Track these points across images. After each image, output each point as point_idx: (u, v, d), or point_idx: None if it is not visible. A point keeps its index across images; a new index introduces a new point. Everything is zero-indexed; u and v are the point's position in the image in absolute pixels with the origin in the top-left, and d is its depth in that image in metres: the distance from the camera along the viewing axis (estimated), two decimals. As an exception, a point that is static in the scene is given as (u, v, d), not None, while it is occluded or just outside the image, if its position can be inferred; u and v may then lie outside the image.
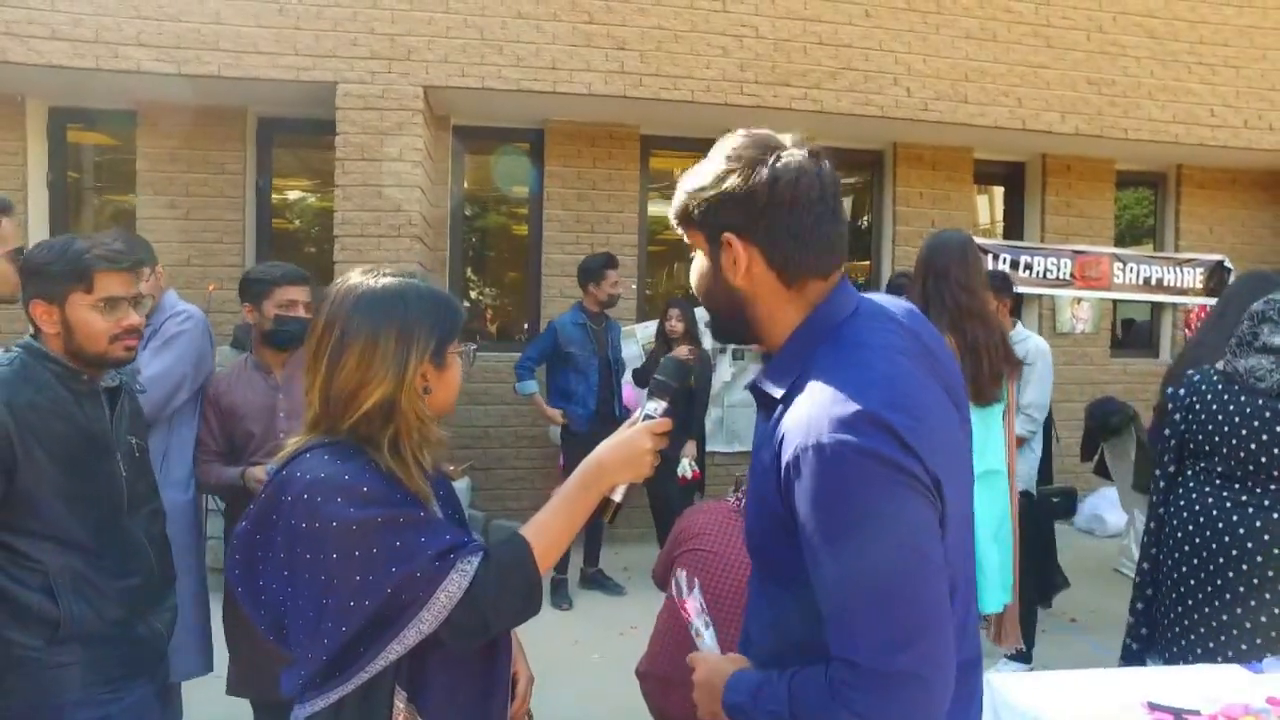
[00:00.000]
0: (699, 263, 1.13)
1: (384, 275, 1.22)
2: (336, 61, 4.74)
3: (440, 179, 5.50)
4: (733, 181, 1.03)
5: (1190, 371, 2.47)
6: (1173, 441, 2.43)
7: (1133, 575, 4.91)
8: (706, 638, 1.26)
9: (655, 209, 6.17)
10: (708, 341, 5.15)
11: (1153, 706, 1.68)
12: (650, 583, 3.72)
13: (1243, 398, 2.25)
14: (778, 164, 1.04)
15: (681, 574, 1.39)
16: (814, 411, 0.95)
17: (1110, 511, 5.93)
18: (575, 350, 4.60)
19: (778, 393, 1.04)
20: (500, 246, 6.50)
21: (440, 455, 1.30)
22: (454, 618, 1.09)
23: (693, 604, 1.30)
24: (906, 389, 0.98)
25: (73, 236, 1.72)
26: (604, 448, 1.22)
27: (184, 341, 2.60)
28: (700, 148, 5.94)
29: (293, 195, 5.99)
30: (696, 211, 1.07)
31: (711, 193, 1.05)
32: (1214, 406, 2.30)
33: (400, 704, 1.15)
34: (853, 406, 0.93)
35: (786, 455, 0.96)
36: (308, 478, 1.12)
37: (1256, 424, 2.20)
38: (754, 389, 1.11)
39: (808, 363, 1.03)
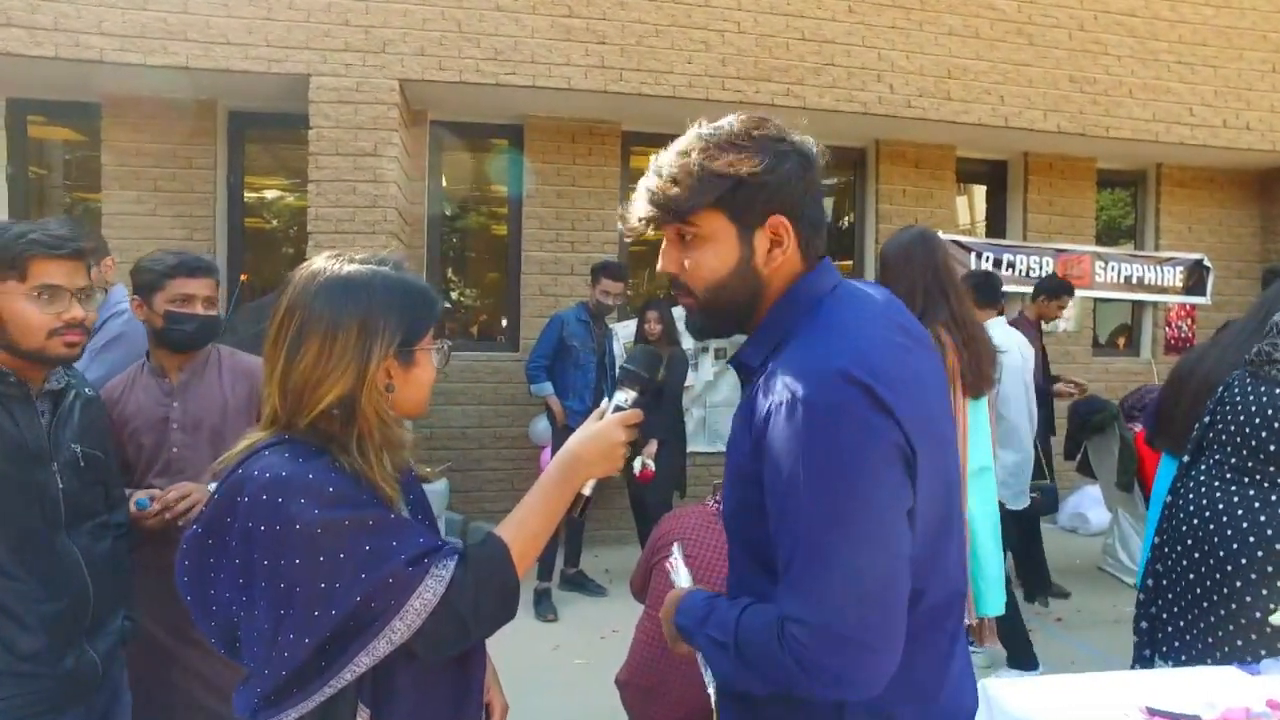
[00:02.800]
0: (718, 252, 1.07)
1: (351, 261, 1.13)
2: (309, 53, 4.62)
3: (417, 175, 5.39)
4: (789, 167, 1.05)
5: (1237, 371, 2.42)
6: (1196, 434, 2.39)
7: (1116, 574, 4.94)
8: (683, 575, 1.31)
9: (637, 207, 6.10)
10: (687, 342, 5.09)
11: (1152, 712, 1.63)
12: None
13: (1262, 388, 2.21)
14: (803, 148, 1.08)
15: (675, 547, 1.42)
16: (790, 370, 0.99)
17: (1093, 510, 5.93)
18: (577, 344, 4.60)
19: (756, 361, 1.08)
20: (479, 244, 6.39)
21: (406, 458, 1.20)
22: (428, 626, 1.01)
23: (676, 550, 1.37)
24: (884, 354, 1.00)
25: (12, 221, 1.58)
26: (577, 441, 1.16)
27: (125, 344, 2.43)
28: (682, 144, 5.89)
29: (265, 191, 5.85)
30: (743, 197, 1.04)
31: (771, 175, 1.04)
32: (1239, 401, 2.27)
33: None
34: (829, 365, 0.97)
35: (760, 413, 0.99)
36: (267, 476, 1.02)
37: (1270, 412, 2.15)
38: (735, 363, 1.14)
39: (788, 332, 1.07)
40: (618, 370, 1.22)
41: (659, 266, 1.15)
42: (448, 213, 5.91)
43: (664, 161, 1.08)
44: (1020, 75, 5.55)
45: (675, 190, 1.05)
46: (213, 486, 1.98)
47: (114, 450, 1.84)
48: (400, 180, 4.85)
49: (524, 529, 1.12)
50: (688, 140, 1.08)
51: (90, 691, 1.62)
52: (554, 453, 5.14)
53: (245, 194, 5.49)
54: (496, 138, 5.70)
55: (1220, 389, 2.38)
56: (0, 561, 1.48)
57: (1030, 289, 6.13)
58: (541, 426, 5.13)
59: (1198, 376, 2.84)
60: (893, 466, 0.96)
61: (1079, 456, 5.09)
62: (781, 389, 0.97)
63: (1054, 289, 4.84)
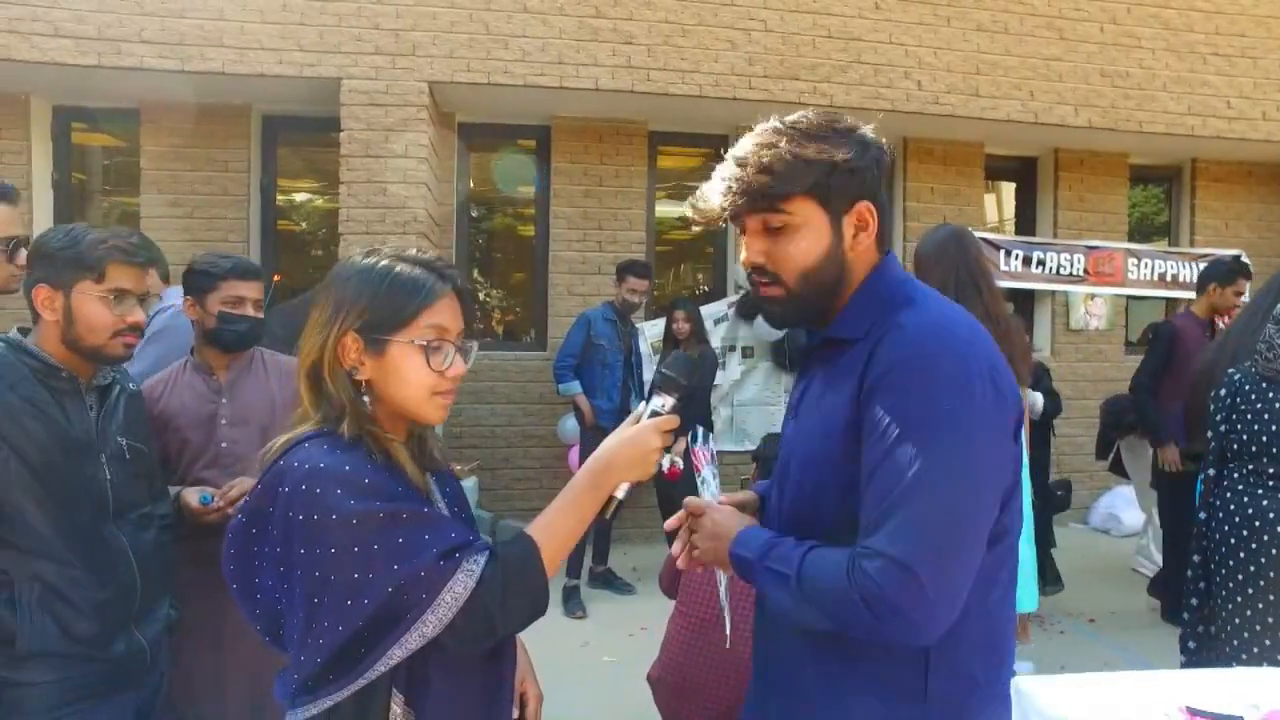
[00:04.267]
0: (811, 238, 1.12)
1: (373, 252, 1.17)
2: (341, 57, 4.69)
3: (445, 176, 5.45)
4: (872, 155, 1.12)
5: (1230, 370, 2.40)
6: (1213, 444, 2.36)
7: (1150, 575, 4.86)
8: (713, 486, 1.31)
9: (664, 207, 6.11)
10: (715, 341, 5.10)
11: (1193, 712, 1.61)
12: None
13: None
14: (878, 140, 1.16)
15: (699, 429, 1.41)
16: (918, 328, 1.06)
17: (1125, 510, 5.84)
18: (605, 344, 4.62)
19: (859, 332, 1.11)
20: (506, 244, 6.45)
21: (433, 453, 1.24)
22: (458, 621, 1.03)
23: (704, 452, 1.36)
24: (990, 343, 1.10)
25: (87, 226, 1.65)
26: (611, 445, 1.16)
27: (166, 339, 2.50)
28: (708, 143, 5.89)
29: (297, 193, 5.95)
30: (837, 183, 1.10)
31: (860, 162, 1.10)
32: (1259, 406, 2.24)
33: (397, 708, 1.08)
34: (958, 330, 1.07)
35: (879, 367, 1.04)
36: (306, 467, 1.06)
37: None
38: (825, 339, 1.17)
39: (888, 306, 1.12)
40: (655, 375, 1.21)
41: (743, 259, 1.16)
42: (475, 213, 5.97)
43: (746, 151, 1.10)
44: (1050, 70, 5.48)
45: (767, 178, 1.07)
46: None
47: (154, 445, 1.91)
48: (429, 181, 4.91)
49: (555, 529, 1.13)
50: (768, 132, 1.11)
51: (139, 676, 1.68)
52: (583, 452, 5.17)
53: (277, 196, 5.59)
54: (523, 138, 5.75)
55: (1225, 394, 2.34)
56: (56, 549, 1.54)
57: (1060, 287, 6.09)
58: (570, 425, 5.17)
59: (1205, 377, 2.84)
60: (1005, 443, 1.07)
61: (1111, 456, 5.03)
62: (908, 342, 1.04)
63: (1226, 274, 3.97)
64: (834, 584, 1.00)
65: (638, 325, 5.26)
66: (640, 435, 1.15)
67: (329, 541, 1.02)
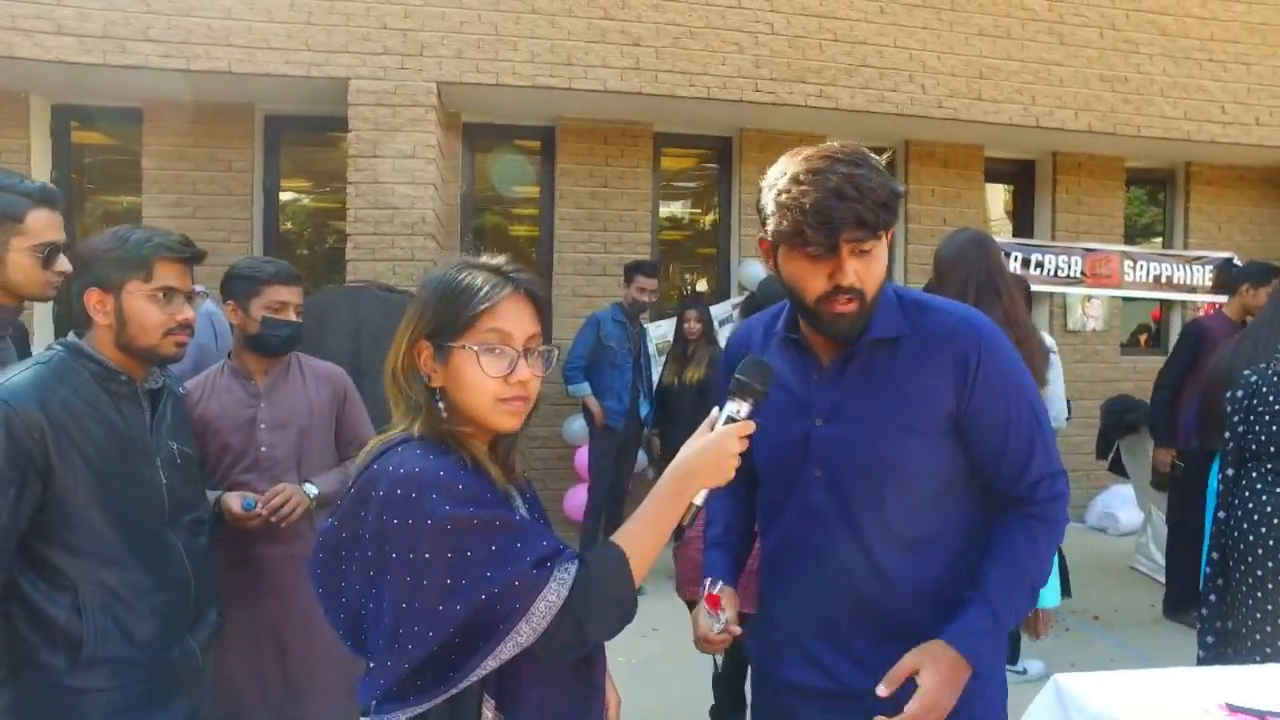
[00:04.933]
0: (884, 255, 1.27)
1: (453, 259, 1.19)
2: (349, 57, 4.67)
3: (451, 176, 5.44)
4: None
5: (1246, 371, 2.45)
6: (1231, 444, 2.40)
7: (1149, 573, 4.94)
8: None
9: (668, 208, 6.13)
10: (721, 341, 5.11)
11: (1232, 708, 1.64)
12: (671, 581, 3.59)
13: None
14: None
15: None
16: (970, 316, 1.34)
17: (1123, 509, 5.93)
18: (614, 344, 4.64)
19: (904, 329, 1.31)
20: (511, 246, 6.44)
21: (514, 464, 1.23)
22: (551, 629, 1.04)
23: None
24: None
25: (132, 227, 1.65)
26: (692, 453, 1.16)
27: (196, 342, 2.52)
28: (712, 145, 5.92)
29: (301, 193, 5.92)
30: (896, 213, 1.26)
31: (900, 196, 1.26)
32: (1277, 408, 2.28)
33: (489, 713, 1.09)
34: (983, 319, 1.36)
35: (967, 351, 1.28)
36: (401, 472, 1.06)
37: None
38: (873, 341, 1.31)
39: (909, 305, 1.34)
40: (730, 381, 1.21)
41: (844, 280, 1.23)
42: (480, 213, 5.96)
43: (864, 185, 1.19)
44: (1051, 75, 5.55)
45: (886, 214, 1.21)
46: (308, 487, 2.06)
47: (198, 447, 1.92)
48: (436, 181, 4.90)
49: (641, 538, 1.13)
50: (864, 161, 1.23)
51: (192, 682, 1.67)
52: (592, 453, 5.13)
53: (281, 197, 5.56)
54: (529, 139, 5.74)
55: (1243, 395, 2.38)
56: (118, 553, 1.53)
57: (1058, 289, 6.17)
58: (576, 426, 5.17)
59: (1222, 376, 2.90)
60: None
61: (1111, 455, 5.10)
62: (979, 333, 1.30)
63: (1259, 274, 4.00)
64: (1046, 540, 1.31)
65: (645, 327, 5.29)
66: (719, 441, 1.15)
67: (423, 546, 1.02)
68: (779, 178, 1.25)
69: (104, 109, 5.21)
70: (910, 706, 1.19)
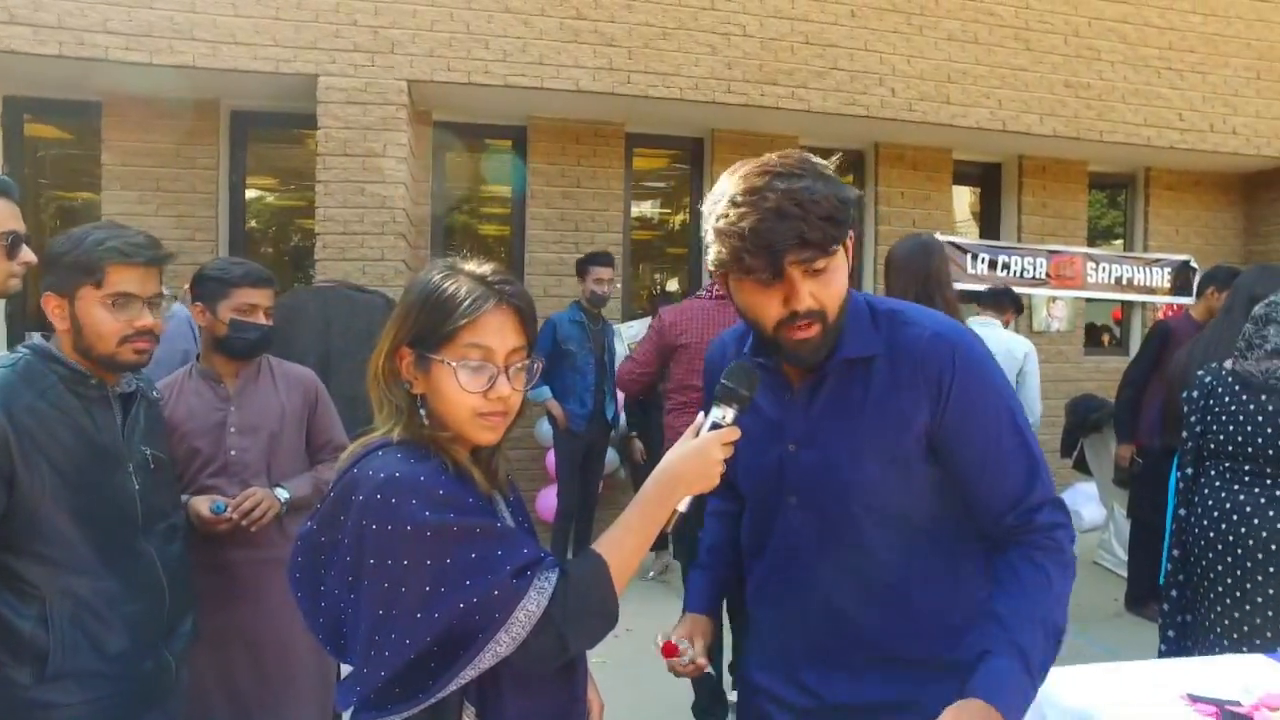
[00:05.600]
0: (843, 271, 1.17)
1: (441, 264, 1.16)
2: (318, 54, 4.60)
3: (422, 175, 5.39)
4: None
5: (1200, 372, 2.51)
6: (1190, 444, 2.47)
7: (1112, 568, 5.05)
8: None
9: (639, 208, 6.13)
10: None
11: (1194, 699, 1.70)
12: (644, 579, 3.62)
13: (1263, 397, 2.30)
14: None
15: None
16: (943, 338, 1.20)
17: (1086, 506, 6.04)
18: (574, 348, 4.54)
19: (877, 349, 1.21)
20: (482, 245, 6.39)
21: (497, 469, 1.22)
22: (530, 639, 1.02)
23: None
24: None
25: (96, 225, 1.58)
26: (676, 459, 1.14)
27: (165, 346, 2.45)
28: (684, 146, 5.93)
29: (268, 191, 5.81)
30: (850, 224, 1.15)
31: (854, 203, 1.15)
32: (1233, 408, 2.34)
33: None
34: (960, 329, 1.24)
35: (940, 369, 1.18)
36: (381, 476, 1.04)
37: (1271, 426, 2.25)
38: (839, 361, 1.22)
39: (883, 319, 1.23)
40: (716, 387, 1.19)
41: (800, 305, 1.13)
42: (451, 213, 5.90)
43: (806, 200, 1.08)
44: (1018, 80, 5.65)
45: (835, 228, 1.10)
46: (279, 491, 2.03)
47: (173, 451, 1.86)
48: (408, 181, 4.85)
49: (622, 545, 1.11)
50: (807, 171, 1.11)
51: (166, 694, 1.63)
52: (558, 457, 5.06)
53: (247, 194, 5.46)
54: (500, 138, 5.71)
55: (1199, 395, 2.46)
56: (88, 562, 1.49)
57: (1024, 290, 6.28)
58: (546, 428, 5.14)
59: (1179, 376, 2.99)
60: None
61: (1075, 454, 5.22)
62: (951, 355, 1.19)
63: (1225, 278, 3.99)
64: (1059, 577, 1.17)
65: (615, 326, 5.27)
66: (703, 447, 1.13)
67: (402, 553, 1.01)
68: (716, 201, 1.14)
69: (60, 102, 5.06)
70: None
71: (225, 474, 2.01)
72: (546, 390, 4.56)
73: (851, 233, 1.17)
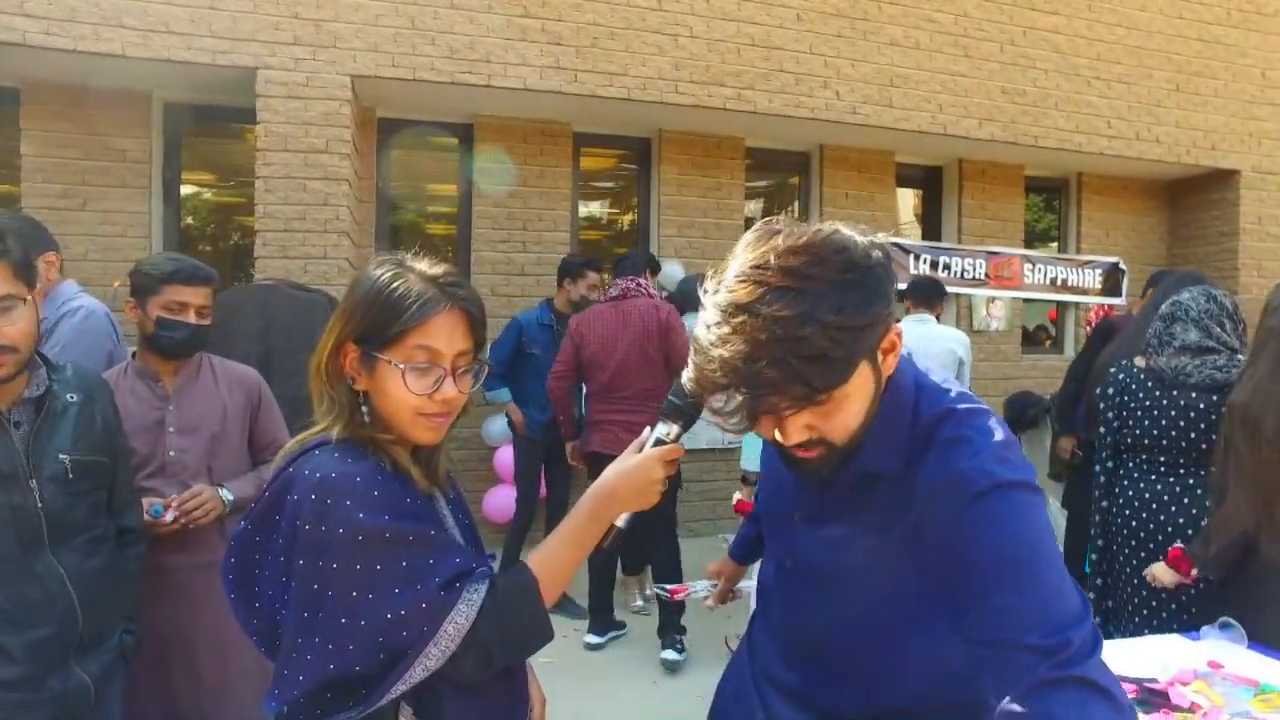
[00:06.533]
0: (862, 395, 0.95)
1: (387, 261, 1.14)
2: (257, 46, 4.47)
3: (366, 173, 5.28)
4: (885, 270, 0.93)
5: (1113, 369, 2.63)
6: (1109, 438, 2.58)
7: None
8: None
9: (587, 208, 6.12)
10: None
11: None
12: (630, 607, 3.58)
13: (1174, 392, 2.41)
14: (879, 243, 0.97)
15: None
16: (977, 467, 0.94)
17: (1022, 499, 6.26)
18: (539, 352, 4.40)
19: (896, 466, 1.01)
20: (428, 244, 6.30)
21: (437, 467, 1.19)
22: (458, 653, 1.01)
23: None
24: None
25: None
26: (614, 476, 1.11)
27: (83, 346, 2.31)
28: (631, 146, 5.94)
29: (205, 187, 5.62)
30: (881, 333, 0.93)
31: (884, 309, 0.92)
32: (1148, 403, 2.46)
33: None
34: (1009, 469, 0.95)
35: (942, 506, 0.95)
36: (317, 476, 1.02)
37: (1193, 415, 2.37)
38: (857, 474, 1.03)
39: (922, 435, 1.00)
40: (665, 404, 1.13)
41: (790, 440, 0.95)
42: (396, 212, 5.80)
43: (786, 334, 0.84)
44: (957, 85, 5.81)
45: (823, 373, 0.87)
46: (223, 492, 1.97)
47: (125, 449, 1.76)
48: (351, 178, 4.75)
49: (553, 560, 1.10)
50: (814, 280, 0.86)
51: (82, 713, 1.54)
52: (517, 463, 4.94)
53: (183, 190, 5.27)
54: (446, 136, 5.63)
55: (1114, 392, 2.58)
56: None
57: (965, 290, 6.46)
58: (496, 428, 5.08)
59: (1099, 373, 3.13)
60: None
61: (1012, 449, 5.38)
62: (981, 479, 0.93)
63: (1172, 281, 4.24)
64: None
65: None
66: (644, 465, 1.11)
67: (332, 555, 0.99)
68: (708, 296, 0.93)
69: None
70: None
71: (163, 475, 1.95)
72: (506, 392, 4.43)
73: (894, 328, 0.95)
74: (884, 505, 1.02)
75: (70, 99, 4.76)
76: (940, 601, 0.97)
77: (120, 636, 1.66)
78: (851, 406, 0.95)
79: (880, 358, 0.96)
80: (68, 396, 1.62)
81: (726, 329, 0.88)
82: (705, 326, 0.91)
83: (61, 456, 1.54)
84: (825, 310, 0.85)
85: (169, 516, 1.83)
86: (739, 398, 0.89)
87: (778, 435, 0.96)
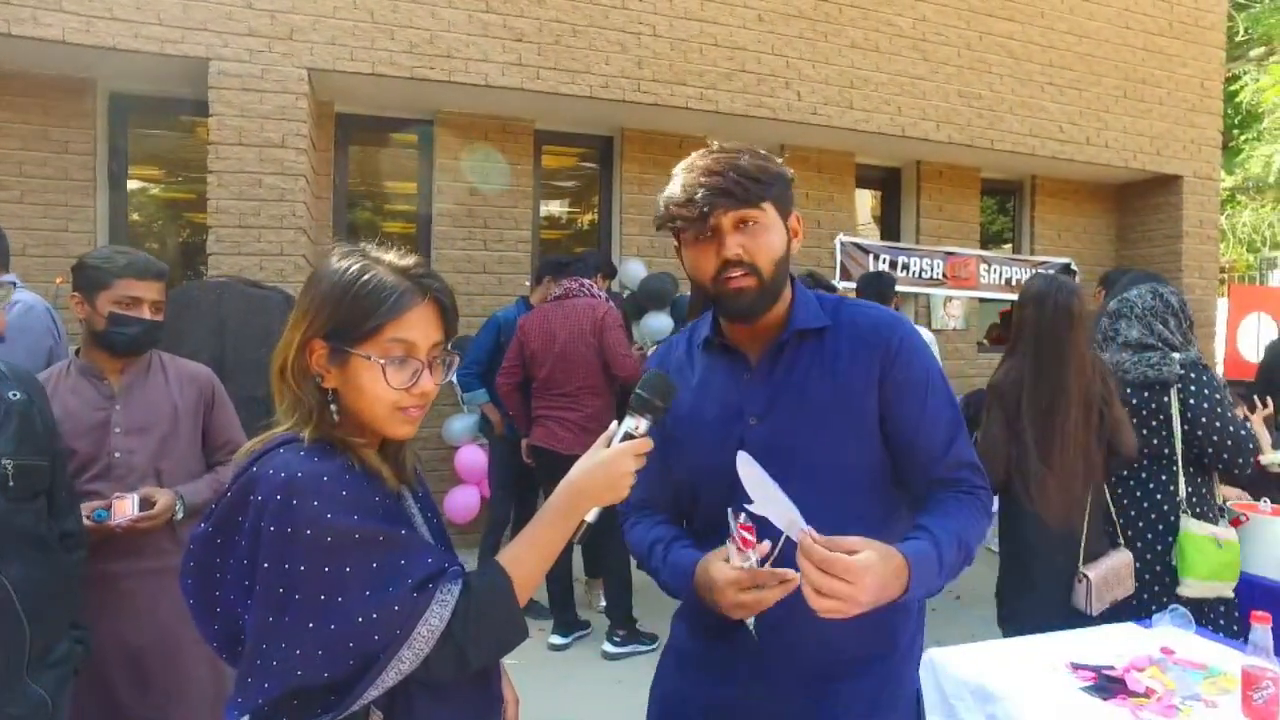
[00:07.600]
0: (776, 235, 1.28)
1: (352, 252, 1.10)
2: (209, 35, 4.35)
3: (324, 169, 5.18)
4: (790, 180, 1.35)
5: None
6: None
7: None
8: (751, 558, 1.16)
9: (548, 206, 6.08)
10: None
11: (1075, 666, 1.82)
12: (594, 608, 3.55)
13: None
14: None
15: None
16: (892, 315, 1.37)
17: (978, 495, 6.39)
18: None
19: (822, 322, 1.33)
20: (387, 241, 6.18)
21: (406, 462, 1.17)
22: (432, 655, 0.99)
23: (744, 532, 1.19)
24: None
25: None
26: (582, 471, 1.11)
27: (23, 343, 2.23)
28: (593, 144, 5.92)
29: (152, 181, 5.45)
30: (786, 194, 1.30)
31: (788, 179, 1.31)
32: None
33: None
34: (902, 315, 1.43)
35: (889, 340, 1.31)
36: (281, 476, 0.98)
37: (1127, 410, 2.45)
38: (799, 333, 1.33)
39: (827, 300, 1.37)
40: (632, 397, 1.15)
41: (728, 253, 1.25)
42: (354, 208, 5.69)
43: (730, 162, 1.25)
44: (916, 88, 5.90)
45: (754, 184, 1.23)
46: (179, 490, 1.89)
47: (64, 450, 1.69)
48: (308, 174, 4.65)
49: (527, 557, 1.09)
50: (744, 150, 1.28)
51: None
52: (493, 463, 4.87)
53: (130, 183, 5.10)
54: (406, 132, 5.55)
55: None
56: None
57: (923, 290, 6.57)
58: (457, 426, 5.02)
59: None
60: None
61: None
62: (897, 325, 1.34)
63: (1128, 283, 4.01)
64: (977, 522, 1.26)
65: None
66: (613, 459, 1.10)
67: (299, 557, 0.96)
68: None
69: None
70: (836, 561, 1.06)
71: (108, 477, 1.86)
72: (483, 392, 4.33)
73: (795, 214, 1.32)
74: (841, 352, 1.31)
75: (8, 87, 4.58)
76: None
77: (70, 645, 1.59)
78: (769, 238, 1.26)
79: (789, 220, 1.31)
80: (10, 394, 1.56)
81: (680, 174, 1.27)
82: (687, 169, 1.27)
83: (5, 461, 1.47)
84: (757, 158, 1.27)
85: (120, 522, 1.75)
86: (699, 202, 1.22)
87: (720, 253, 1.25)
